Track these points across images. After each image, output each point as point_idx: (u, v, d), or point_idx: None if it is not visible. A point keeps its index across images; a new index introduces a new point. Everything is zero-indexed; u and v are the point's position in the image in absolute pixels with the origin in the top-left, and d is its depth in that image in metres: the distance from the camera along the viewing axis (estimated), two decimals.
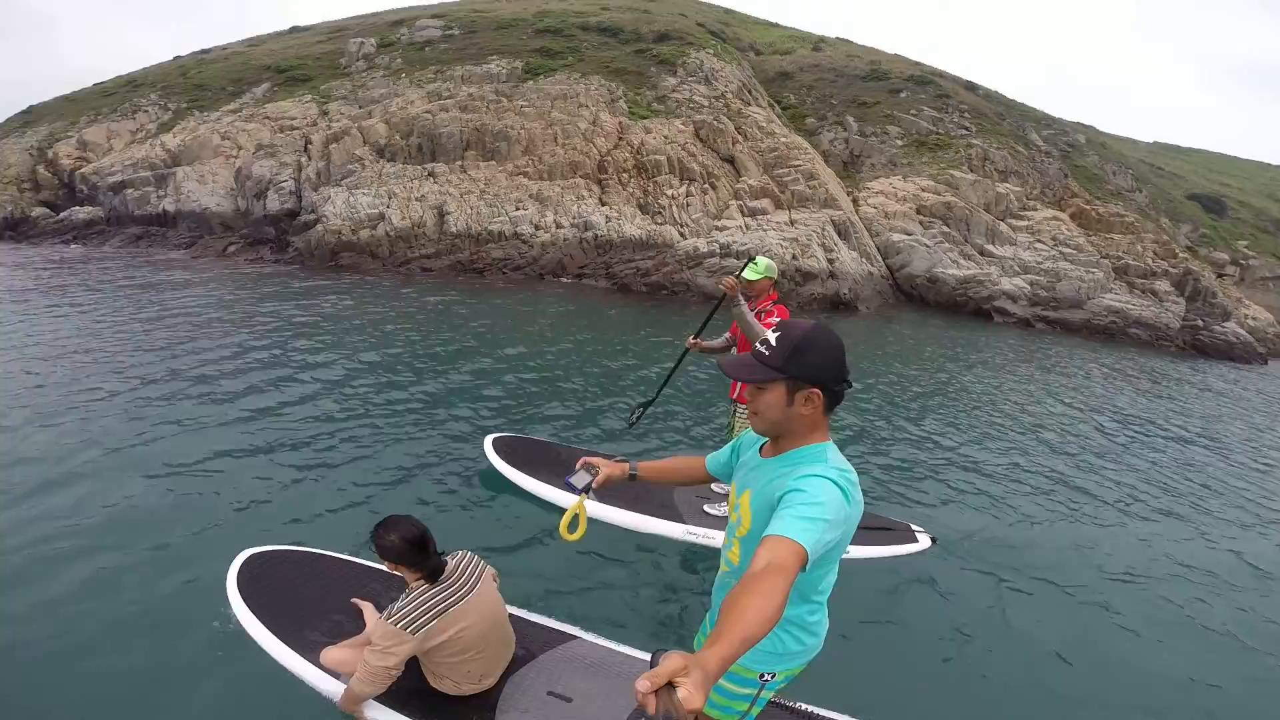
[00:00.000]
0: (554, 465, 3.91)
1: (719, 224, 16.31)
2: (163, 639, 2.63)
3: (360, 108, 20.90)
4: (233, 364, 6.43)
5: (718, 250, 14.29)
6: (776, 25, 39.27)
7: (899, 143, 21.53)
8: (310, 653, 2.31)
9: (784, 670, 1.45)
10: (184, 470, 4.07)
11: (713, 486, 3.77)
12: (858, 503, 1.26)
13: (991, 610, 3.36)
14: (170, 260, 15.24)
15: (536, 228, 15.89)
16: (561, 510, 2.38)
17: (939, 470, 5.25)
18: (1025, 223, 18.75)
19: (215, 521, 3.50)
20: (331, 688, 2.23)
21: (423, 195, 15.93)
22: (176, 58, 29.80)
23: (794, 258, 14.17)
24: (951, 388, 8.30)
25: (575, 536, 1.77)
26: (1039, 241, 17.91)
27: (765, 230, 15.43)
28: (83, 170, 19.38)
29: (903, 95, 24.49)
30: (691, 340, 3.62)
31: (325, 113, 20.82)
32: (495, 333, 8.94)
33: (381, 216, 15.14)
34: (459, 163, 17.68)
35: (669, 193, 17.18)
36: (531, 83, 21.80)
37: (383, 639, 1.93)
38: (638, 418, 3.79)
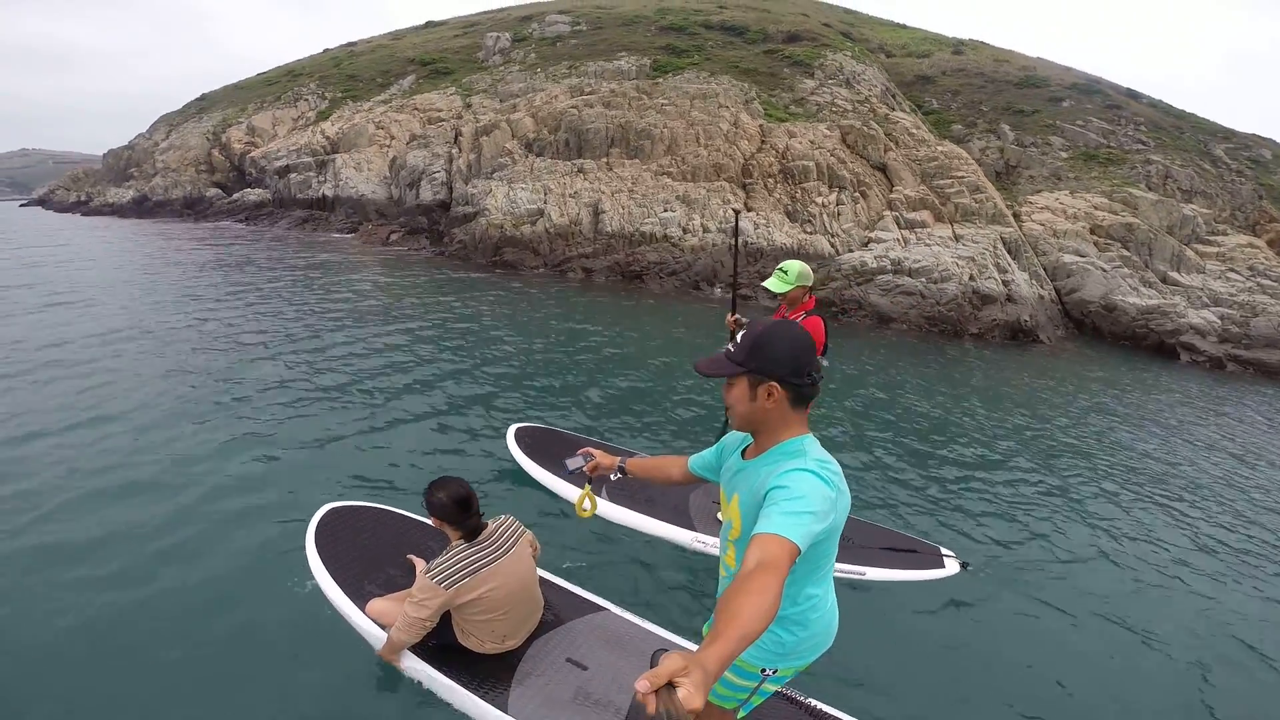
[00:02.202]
0: (570, 455, 4.22)
1: (871, 235, 15.44)
2: (250, 579, 2.88)
3: (502, 101, 21.39)
4: (378, 346, 7.12)
5: (889, 267, 13.45)
6: (904, 26, 37.29)
7: (1063, 155, 19.72)
8: (362, 602, 2.45)
9: (786, 667, 1.48)
10: (310, 424, 4.70)
11: None
12: (843, 491, 1.30)
13: (1016, 650, 3.05)
14: (335, 242, 16.09)
15: (684, 230, 15.60)
16: (561, 495, 2.93)
17: (1048, 518, 4.55)
18: (1215, 249, 16.69)
19: (329, 473, 3.91)
20: (378, 637, 2.34)
21: (576, 192, 15.99)
22: (326, 50, 31.77)
23: (971, 278, 13.12)
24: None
25: (589, 513, 1.90)
26: (1232, 270, 15.87)
27: (930, 245, 14.42)
28: (251, 154, 20.88)
29: (1065, 104, 22.48)
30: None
31: (469, 105, 21.44)
32: (644, 346, 8.53)
33: (540, 212, 15.31)
34: (604, 159, 17.67)
35: (818, 200, 16.45)
36: (666, 80, 21.60)
37: (420, 591, 2.06)
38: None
